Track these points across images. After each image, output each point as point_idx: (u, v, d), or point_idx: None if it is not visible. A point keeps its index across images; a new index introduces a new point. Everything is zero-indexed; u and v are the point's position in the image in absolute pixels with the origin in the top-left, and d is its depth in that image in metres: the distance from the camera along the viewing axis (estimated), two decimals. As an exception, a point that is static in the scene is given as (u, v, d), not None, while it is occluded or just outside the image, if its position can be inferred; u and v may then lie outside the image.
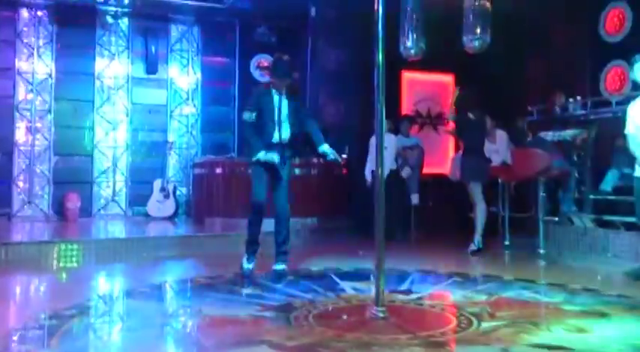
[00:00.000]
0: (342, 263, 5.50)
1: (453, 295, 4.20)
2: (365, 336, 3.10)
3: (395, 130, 7.74)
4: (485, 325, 3.35)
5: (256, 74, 9.75)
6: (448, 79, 9.58)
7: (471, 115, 6.49)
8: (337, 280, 4.67)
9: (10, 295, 4.38)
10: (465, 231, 6.75)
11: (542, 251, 6.02)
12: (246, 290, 4.32)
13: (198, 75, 9.38)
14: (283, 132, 4.79)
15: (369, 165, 7.36)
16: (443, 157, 9.15)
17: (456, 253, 6.30)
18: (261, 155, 4.67)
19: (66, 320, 3.39)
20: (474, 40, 5.83)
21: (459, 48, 5.87)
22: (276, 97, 4.79)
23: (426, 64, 7.35)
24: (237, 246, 6.37)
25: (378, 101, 3.67)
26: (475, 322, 3.40)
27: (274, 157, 4.70)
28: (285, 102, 4.81)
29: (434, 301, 4.02)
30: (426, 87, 9.53)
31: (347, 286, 4.44)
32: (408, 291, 4.27)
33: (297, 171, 7.84)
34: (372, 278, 4.67)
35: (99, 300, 4.02)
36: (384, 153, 7.21)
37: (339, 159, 5.01)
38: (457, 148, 9.03)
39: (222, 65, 9.67)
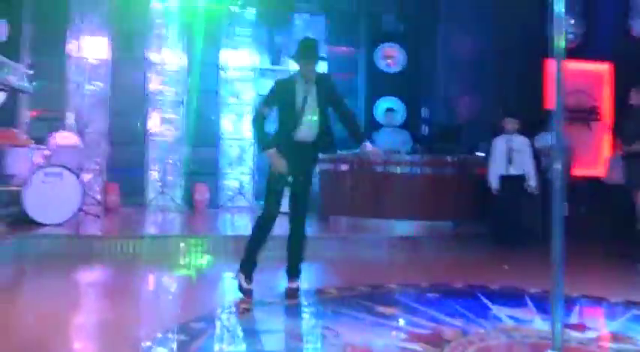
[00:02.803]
0: (486, 278, 4.86)
1: (641, 336, 3.42)
2: (544, 392, 2.51)
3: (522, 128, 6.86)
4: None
5: (382, 64, 9.25)
6: (603, 68, 8.43)
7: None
8: (487, 302, 4.05)
9: (136, 299, 4.20)
10: (628, 245, 5.82)
11: None
12: (381, 309, 3.82)
13: (323, 65, 9.03)
14: (306, 129, 4.03)
15: (495, 170, 6.67)
16: (597, 157, 8.07)
17: (621, 273, 5.38)
18: (273, 153, 3.92)
19: (195, 335, 3.12)
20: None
21: (618, 32, 5.02)
22: (299, 87, 4.05)
23: (576, 51, 6.44)
24: (365, 251, 6.00)
25: (557, 94, 3.00)
26: (686, 382, 2.66)
27: (285, 174, 3.97)
28: (312, 92, 4.06)
29: (619, 344, 3.28)
30: (576, 77, 8.43)
31: (501, 313, 3.80)
32: (581, 327, 3.54)
33: (428, 170, 7.26)
34: (529, 303, 4.05)
35: (227, 312, 3.72)
36: (515, 156, 6.64)
37: (381, 158, 4.07)
38: (614, 147, 7.96)
39: (347, 55, 9.26)
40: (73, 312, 3.69)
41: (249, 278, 4.12)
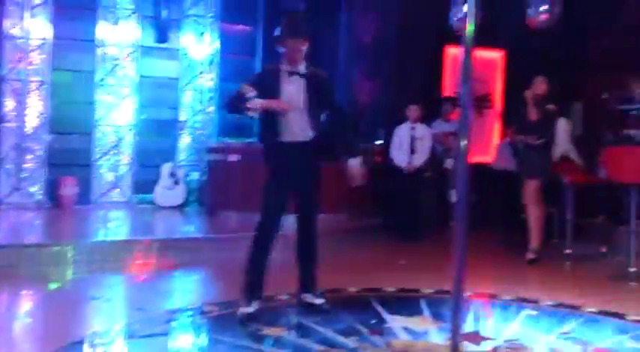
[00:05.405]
0: (381, 277, 4.64)
1: (538, 343, 3.21)
2: None
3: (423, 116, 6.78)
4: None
5: (280, 45, 8.70)
6: (496, 55, 8.49)
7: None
8: (382, 311, 3.73)
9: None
10: (515, 233, 5.93)
11: (632, 269, 5.01)
12: (267, 330, 3.35)
13: (216, 44, 8.33)
14: (296, 129, 3.60)
15: (399, 159, 6.59)
16: (487, 144, 8.11)
17: (509, 264, 5.43)
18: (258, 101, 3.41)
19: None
20: (542, 12, 4.84)
21: (510, 21, 5.13)
22: (284, 78, 3.52)
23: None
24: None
25: (463, 83, 2.75)
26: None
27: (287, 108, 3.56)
28: (300, 85, 3.53)
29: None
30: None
31: (396, 324, 3.48)
32: (476, 335, 3.29)
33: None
34: (424, 309, 3.79)
35: (87, 345, 3.07)
36: (418, 145, 6.53)
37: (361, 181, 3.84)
38: (503, 135, 8.04)
39: (244, 34, 8.62)
40: None
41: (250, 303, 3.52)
